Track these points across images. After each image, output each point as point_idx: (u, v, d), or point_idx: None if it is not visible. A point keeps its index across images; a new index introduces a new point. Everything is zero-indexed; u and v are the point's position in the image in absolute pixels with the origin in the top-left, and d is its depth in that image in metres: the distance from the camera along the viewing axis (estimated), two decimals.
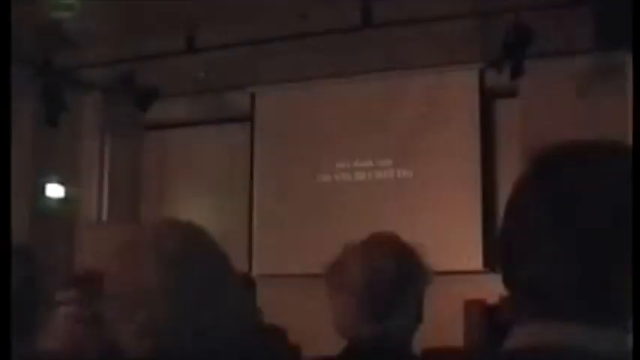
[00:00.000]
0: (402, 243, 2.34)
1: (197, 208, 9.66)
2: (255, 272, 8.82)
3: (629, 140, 1.22)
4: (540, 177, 1.20)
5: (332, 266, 2.35)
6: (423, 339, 2.41)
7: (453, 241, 8.57)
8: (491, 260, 8.67)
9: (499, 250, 1.23)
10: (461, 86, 9.30)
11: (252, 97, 10.20)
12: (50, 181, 9.81)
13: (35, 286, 3.06)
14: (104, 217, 10.35)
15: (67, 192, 9.99)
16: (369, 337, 2.26)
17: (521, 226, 1.19)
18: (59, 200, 9.94)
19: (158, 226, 1.71)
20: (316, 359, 2.38)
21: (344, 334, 2.32)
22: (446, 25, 8.37)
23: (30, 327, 2.98)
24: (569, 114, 8.07)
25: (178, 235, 1.68)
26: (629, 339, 1.14)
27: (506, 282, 1.23)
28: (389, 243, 2.34)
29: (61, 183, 9.94)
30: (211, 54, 8.71)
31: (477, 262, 8.85)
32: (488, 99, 9.38)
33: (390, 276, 2.25)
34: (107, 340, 1.74)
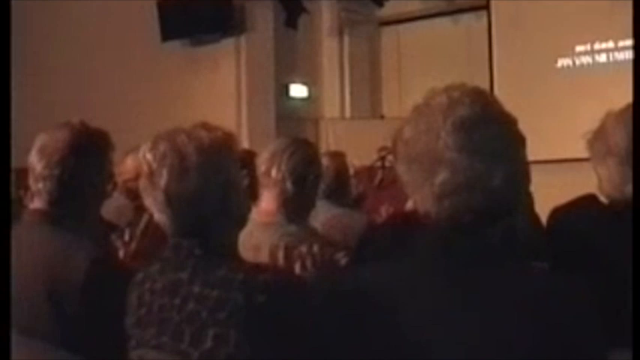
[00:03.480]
0: None
1: None
2: None
3: None
4: None
5: (596, 133, 2.55)
6: None
7: None
8: None
9: None
10: None
11: None
12: (293, 82, 10.12)
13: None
14: (347, 113, 10.58)
15: (309, 91, 10.28)
16: (630, 196, 2.45)
17: None
18: (302, 100, 10.23)
19: (450, 92, 1.76)
20: None
21: (608, 195, 2.56)
22: None
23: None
24: None
25: (471, 100, 1.74)
26: None
27: None
28: None
29: (304, 83, 10.22)
30: None
31: None
32: None
33: None
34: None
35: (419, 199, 1.74)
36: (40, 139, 2.96)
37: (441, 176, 1.68)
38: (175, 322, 2.18)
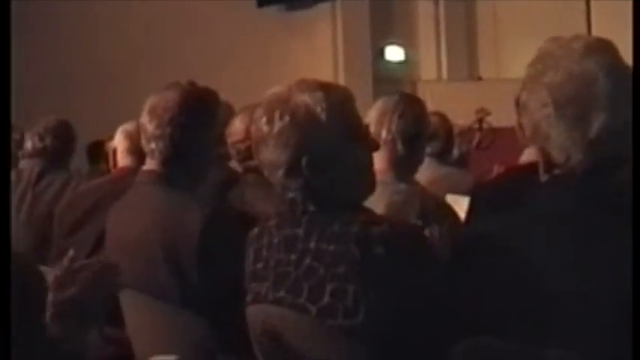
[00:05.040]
0: None
1: None
2: None
3: None
4: None
5: None
6: None
7: None
8: None
9: None
10: None
11: None
12: (389, 44, 10.03)
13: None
14: (444, 75, 10.48)
15: (406, 54, 10.19)
16: None
17: None
18: (399, 62, 10.15)
19: (582, 39, 1.79)
20: None
21: None
22: None
23: None
24: None
25: (608, 47, 1.77)
26: None
27: None
28: None
29: (400, 45, 10.14)
30: None
31: None
32: None
33: None
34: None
35: (560, 147, 1.70)
36: (150, 101, 2.98)
37: (600, 121, 1.66)
38: (293, 278, 2.18)
